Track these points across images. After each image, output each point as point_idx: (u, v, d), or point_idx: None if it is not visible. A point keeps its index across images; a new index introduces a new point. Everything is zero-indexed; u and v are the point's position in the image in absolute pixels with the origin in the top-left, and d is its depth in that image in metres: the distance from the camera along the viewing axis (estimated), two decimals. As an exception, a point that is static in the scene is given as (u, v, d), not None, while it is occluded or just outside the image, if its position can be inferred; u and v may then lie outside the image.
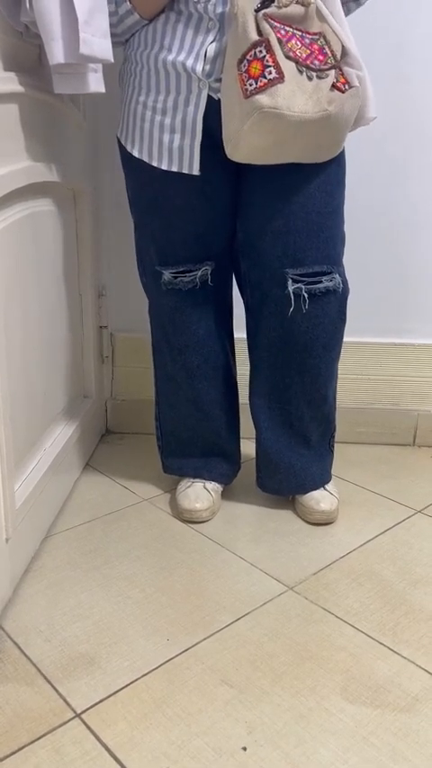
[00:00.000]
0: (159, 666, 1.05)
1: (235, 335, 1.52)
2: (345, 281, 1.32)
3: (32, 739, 0.92)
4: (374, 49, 1.61)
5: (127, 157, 1.32)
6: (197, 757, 0.89)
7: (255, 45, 1.09)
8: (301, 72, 1.10)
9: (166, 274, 1.36)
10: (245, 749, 0.90)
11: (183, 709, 0.97)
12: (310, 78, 1.10)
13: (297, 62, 1.10)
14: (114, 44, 1.26)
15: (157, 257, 1.37)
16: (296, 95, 1.09)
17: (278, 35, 1.09)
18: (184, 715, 0.96)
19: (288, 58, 1.09)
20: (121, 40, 1.27)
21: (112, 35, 1.23)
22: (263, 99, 1.07)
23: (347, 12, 1.24)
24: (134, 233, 1.41)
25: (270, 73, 1.08)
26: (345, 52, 1.17)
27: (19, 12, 1.11)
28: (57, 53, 1.07)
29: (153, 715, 0.96)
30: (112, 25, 1.21)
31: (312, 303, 1.29)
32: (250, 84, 1.09)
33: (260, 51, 1.08)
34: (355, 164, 1.62)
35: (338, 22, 1.17)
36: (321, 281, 1.28)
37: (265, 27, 1.08)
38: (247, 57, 1.09)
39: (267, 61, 1.08)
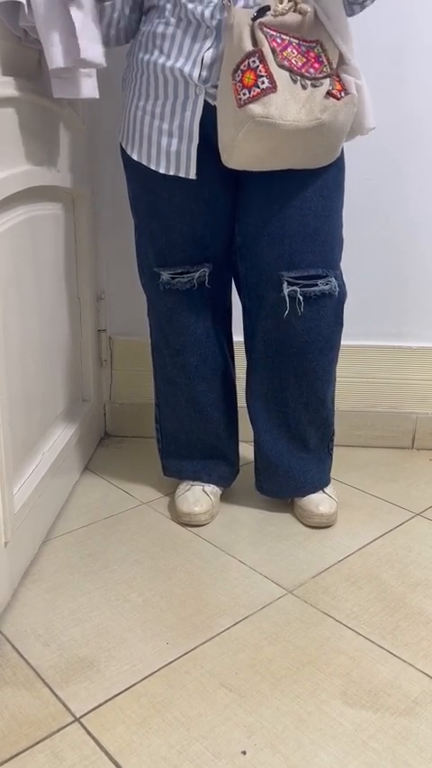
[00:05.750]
0: (158, 670, 1.04)
1: (234, 338, 1.52)
2: (342, 285, 1.33)
3: (31, 744, 0.91)
4: (372, 53, 1.62)
5: (127, 161, 1.33)
6: (196, 761, 0.89)
7: (248, 55, 1.10)
8: (295, 81, 1.11)
9: (164, 275, 1.37)
10: (244, 753, 0.90)
11: (182, 713, 0.96)
12: (304, 87, 1.12)
13: (291, 71, 1.11)
14: (118, 45, 1.29)
15: (155, 258, 1.37)
16: (289, 104, 1.10)
17: (273, 44, 1.11)
18: (183, 719, 0.95)
19: (282, 67, 1.11)
20: (114, 39, 1.28)
21: (111, 35, 1.26)
22: (256, 108, 1.09)
23: (351, 12, 1.23)
24: (134, 234, 1.42)
25: (263, 83, 1.09)
26: (344, 61, 1.18)
27: (17, 16, 1.12)
28: (56, 57, 1.08)
29: (152, 719, 0.95)
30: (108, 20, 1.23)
31: (308, 306, 1.30)
32: (244, 94, 1.10)
33: (253, 62, 1.10)
34: (351, 166, 1.62)
35: (340, 29, 1.17)
36: (317, 285, 1.29)
37: (260, 36, 1.10)
38: (242, 67, 1.11)
39: (260, 71, 1.09)
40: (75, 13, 1.06)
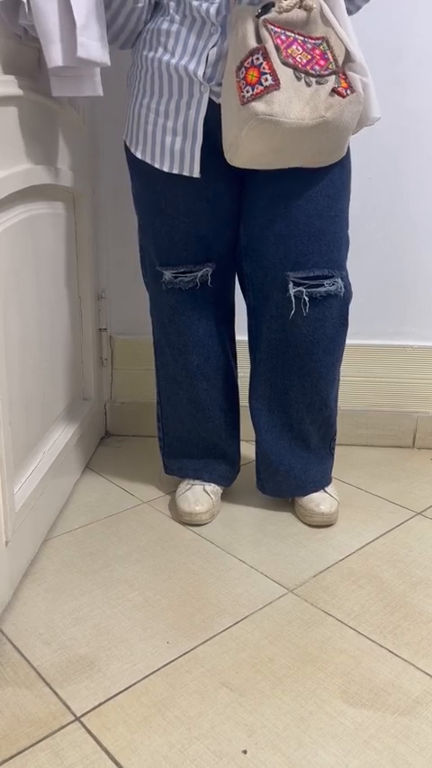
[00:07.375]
0: (159, 669, 1.04)
1: (237, 337, 1.52)
2: (347, 286, 1.32)
3: (32, 743, 0.91)
4: (372, 53, 1.61)
5: (131, 159, 1.33)
6: (197, 761, 0.89)
7: (252, 53, 1.10)
8: (299, 78, 1.11)
9: (167, 274, 1.37)
10: (245, 752, 0.90)
11: (183, 712, 0.96)
12: (308, 84, 1.11)
13: (296, 68, 1.10)
14: (122, 47, 1.28)
15: (158, 257, 1.37)
16: (293, 102, 1.09)
17: (277, 41, 1.10)
18: (184, 718, 0.95)
19: (286, 64, 1.10)
20: (125, 39, 1.27)
21: (114, 37, 1.25)
22: (258, 106, 1.09)
23: (350, 11, 1.23)
24: (138, 233, 1.41)
25: (266, 80, 1.09)
26: (350, 58, 1.17)
27: (17, 15, 1.11)
28: (55, 56, 1.07)
29: (153, 718, 0.95)
30: (109, 24, 1.21)
31: (313, 307, 1.29)
32: (247, 92, 1.10)
33: (257, 59, 1.10)
34: (352, 166, 1.62)
35: (343, 26, 1.17)
36: (323, 285, 1.28)
37: (264, 33, 1.10)
38: (245, 64, 1.10)
39: (264, 68, 1.09)
40: (77, 11, 1.05)
